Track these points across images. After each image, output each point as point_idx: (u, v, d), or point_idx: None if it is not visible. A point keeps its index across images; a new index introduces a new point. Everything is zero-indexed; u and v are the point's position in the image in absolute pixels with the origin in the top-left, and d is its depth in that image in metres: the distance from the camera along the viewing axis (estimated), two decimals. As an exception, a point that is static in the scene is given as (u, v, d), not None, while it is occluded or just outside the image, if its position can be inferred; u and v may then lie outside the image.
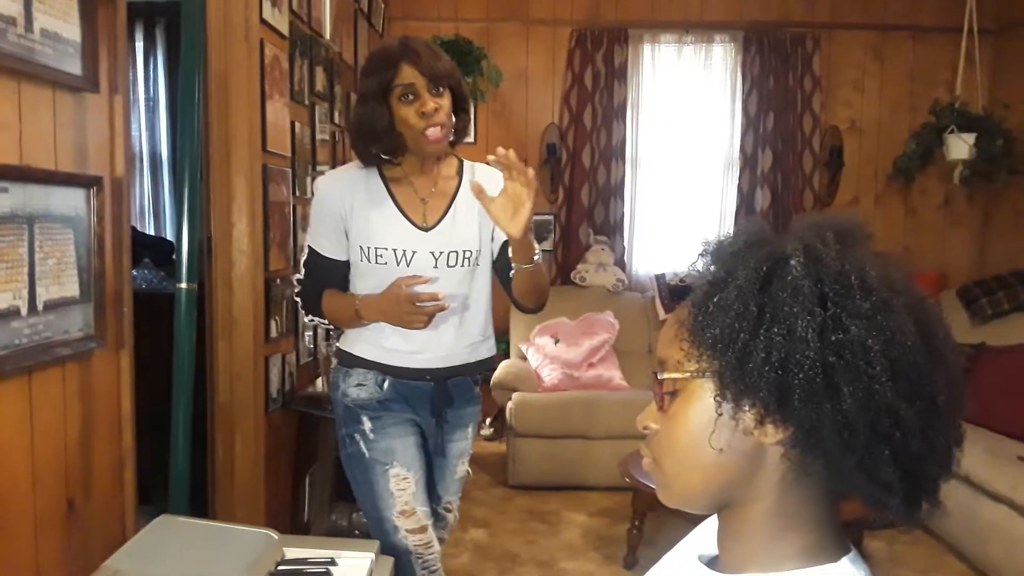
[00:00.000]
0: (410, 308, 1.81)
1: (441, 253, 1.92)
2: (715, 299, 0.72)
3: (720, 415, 0.72)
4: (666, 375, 0.77)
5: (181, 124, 1.86)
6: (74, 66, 1.61)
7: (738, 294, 0.71)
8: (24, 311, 1.50)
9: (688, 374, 0.75)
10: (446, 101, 1.86)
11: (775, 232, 0.76)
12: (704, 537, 0.86)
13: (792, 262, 0.70)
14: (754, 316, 0.69)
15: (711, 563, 0.80)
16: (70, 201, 1.64)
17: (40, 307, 1.55)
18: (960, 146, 4.41)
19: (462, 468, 2.13)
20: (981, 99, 4.60)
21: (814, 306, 0.67)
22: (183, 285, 1.80)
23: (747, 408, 0.71)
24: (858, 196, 5.06)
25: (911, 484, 0.69)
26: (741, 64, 4.92)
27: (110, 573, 1.36)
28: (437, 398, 2.00)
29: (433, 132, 1.84)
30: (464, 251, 1.95)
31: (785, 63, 4.89)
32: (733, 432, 0.72)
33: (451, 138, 1.93)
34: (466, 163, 2.05)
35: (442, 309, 1.84)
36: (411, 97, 1.83)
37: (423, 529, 1.94)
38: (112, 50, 1.79)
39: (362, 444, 1.95)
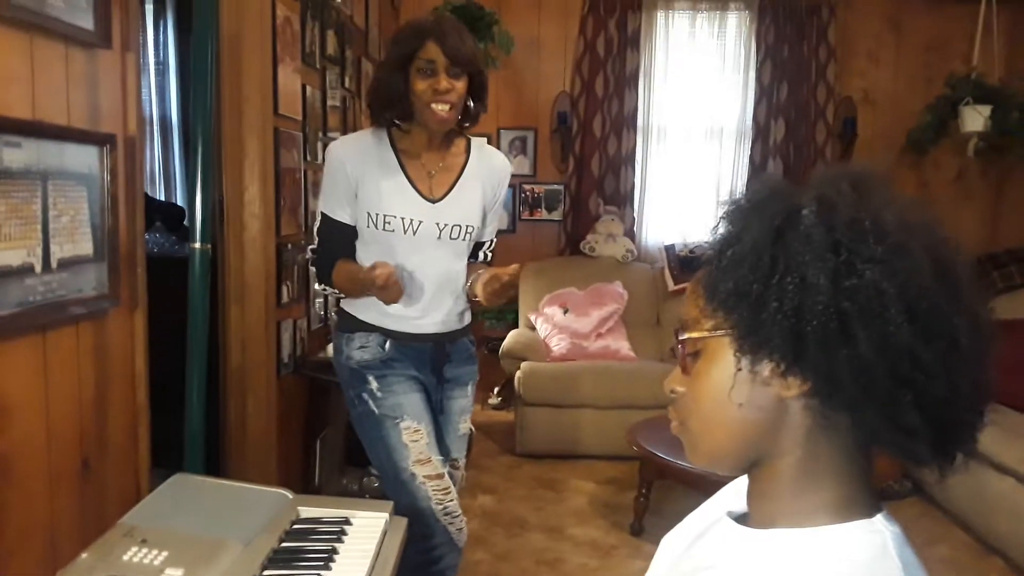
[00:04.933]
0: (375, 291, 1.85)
1: (445, 225, 2.00)
2: (728, 253, 0.72)
3: (740, 370, 0.72)
4: (686, 335, 0.78)
5: (194, 85, 1.84)
6: (86, 21, 1.59)
7: (752, 247, 0.70)
8: (38, 268, 1.50)
9: (706, 332, 0.76)
10: (461, 85, 1.93)
11: (793, 186, 0.75)
12: (733, 495, 0.86)
13: (805, 211, 0.70)
14: (767, 267, 0.69)
15: (740, 520, 0.80)
16: (83, 158, 1.63)
17: (54, 265, 1.54)
18: (975, 118, 4.35)
19: (464, 426, 2.19)
20: (998, 71, 4.54)
21: (826, 252, 0.67)
22: (197, 245, 1.79)
23: (765, 361, 0.71)
24: (870, 168, 5.01)
25: (937, 429, 0.69)
26: (755, 33, 4.86)
27: (126, 530, 1.36)
28: (436, 357, 2.09)
29: (440, 109, 1.91)
30: (466, 225, 2.03)
31: (800, 32, 4.83)
32: (754, 387, 0.73)
33: (465, 123, 2.04)
34: (473, 142, 2.12)
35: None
36: (429, 72, 1.90)
37: (440, 476, 2.00)
38: (124, 6, 1.77)
39: (371, 403, 2.01)
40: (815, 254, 0.67)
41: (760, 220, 0.72)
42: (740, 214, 0.75)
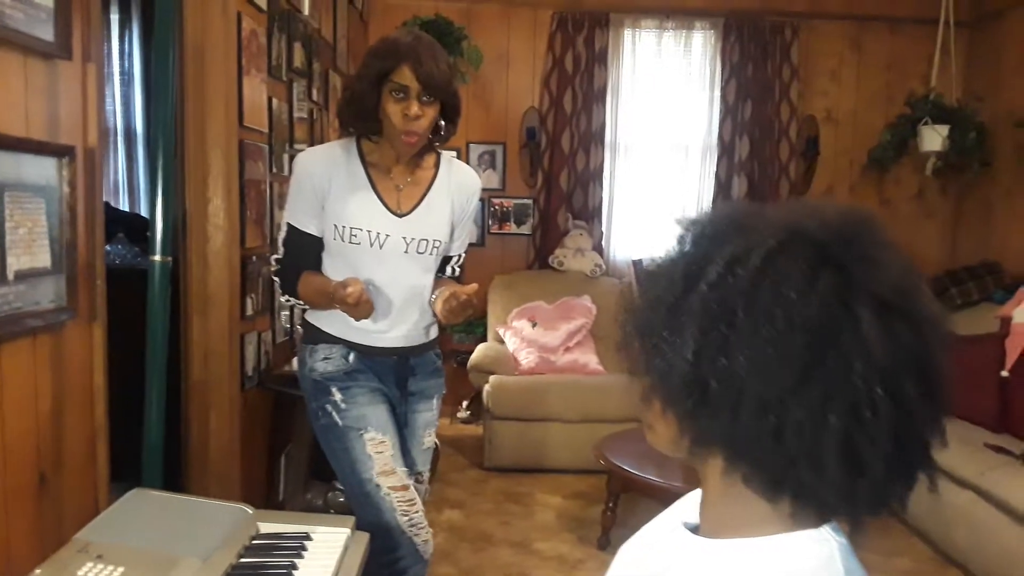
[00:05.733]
0: (346, 308, 1.86)
1: (412, 240, 1.99)
2: (637, 300, 0.77)
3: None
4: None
5: (155, 96, 1.83)
6: (46, 32, 1.58)
7: (654, 301, 0.74)
8: (-6, 281, 1.47)
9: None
10: (432, 111, 1.92)
11: (747, 221, 0.73)
12: (690, 505, 0.87)
13: (711, 270, 0.69)
14: (660, 323, 0.72)
15: (695, 530, 0.81)
16: (41, 170, 1.60)
17: (10, 277, 1.52)
18: (934, 138, 4.46)
19: (429, 439, 2.18)
20: (956, 91, 4.65)
21: (710, 324, 0.68)
22: (157, 258, 1.78)
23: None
24: (832, 186, 5.10)
25: (801, 488, 0.69)
26: (720, 51, 4.93)
27: (81, 546, 1.34)
28: (399, 371, 2.09)
29: (407, 136, 1.91)
30: (433, 240, 2.02)
31: (764, 51, 4.91)
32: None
33: (435, 141, 2.03)
34: (443, 157, 2.11)
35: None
36: (401, 96, 1.89)
37: (406, 487, 1.98)
38: (85, 17, 1.76)
39: (334, 414, 2.00)
40: (697, 324, 0.69)
41: (670, 274, 0.74)
42: (667, 256, 0.77)
